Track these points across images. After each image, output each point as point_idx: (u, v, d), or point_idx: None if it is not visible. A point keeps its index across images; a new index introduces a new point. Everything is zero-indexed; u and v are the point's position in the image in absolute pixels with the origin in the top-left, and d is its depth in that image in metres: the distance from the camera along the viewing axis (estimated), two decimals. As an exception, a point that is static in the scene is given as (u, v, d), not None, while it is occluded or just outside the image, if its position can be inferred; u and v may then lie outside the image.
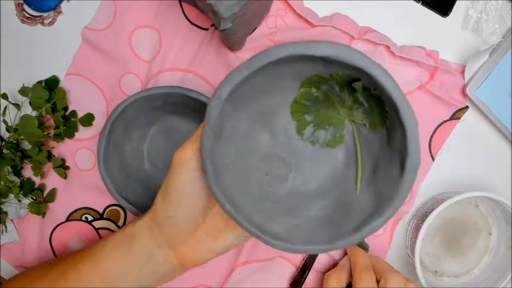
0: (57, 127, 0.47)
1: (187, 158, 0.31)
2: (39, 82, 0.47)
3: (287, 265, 0.48)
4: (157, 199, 0.34)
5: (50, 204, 0.49)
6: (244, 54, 0.45)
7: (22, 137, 0.45)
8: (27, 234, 0.49)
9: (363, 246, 0.45)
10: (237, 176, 0.31)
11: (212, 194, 0.30)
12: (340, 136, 0.34)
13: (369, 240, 0.47)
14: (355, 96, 0.31)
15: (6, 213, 0.49)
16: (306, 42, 0.27)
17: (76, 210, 0.49)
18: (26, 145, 0.48)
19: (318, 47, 0.27)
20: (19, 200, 0.48)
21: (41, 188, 0.49)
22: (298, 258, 0.48)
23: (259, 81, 0.29)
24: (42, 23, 0.47)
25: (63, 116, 0.47)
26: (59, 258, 0.41)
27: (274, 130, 0.34)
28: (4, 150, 0.46)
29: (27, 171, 0.49)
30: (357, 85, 0.29)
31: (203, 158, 0.29)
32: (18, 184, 0.48)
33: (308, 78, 0.31)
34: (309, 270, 0.47)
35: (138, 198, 0.45)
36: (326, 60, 0.27)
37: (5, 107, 0.47)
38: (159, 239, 0.34)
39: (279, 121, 0.34)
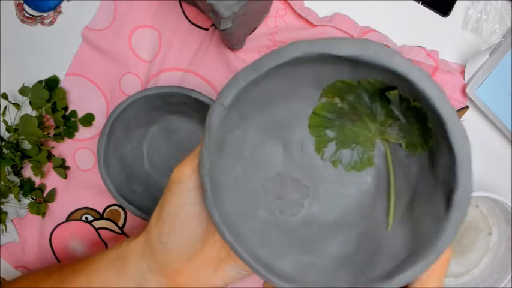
0: (57, 127, 0.47)
1: (185, 175, 0.27)
2: (39, 82, 0.47)
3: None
4: (152, 219, 0.30)
5: (50, 204, 0.49)
6: (244, 54, 0.45)
7: (22, 137, 0.45)
8: (27, 234, 0.49)
9: None
10: (241, 198, 0.27)
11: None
12: (369, 158, 0.28)
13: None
14: (389, 109, 0.25)
15: (6, 213, 0.49)
16: (326, 39, 0.21)
17: (76, 210, 0.49)
18: (26, 145, 0.48)
19: (342, 44, 0.21)
20: (19, 200, 0.48)
21: (41, 188, 0.49)
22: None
23: (271, 87, 0.24)
24: (42, 23, 0.47)
25: (63, 116, 0.47)
26: (62, 265, 0.39)
27: (289, 146, 0.28)
28: (4, 150, 0.46)
29: (27, 171, 0.49)
30: (392, 95, 0.24)
31: (201, 174, 0.24)
32: (18, 184, 0.48)
33: (331, 85, 0.25)
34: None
35: (138, 198, 0.45)
36: (353, 62, 0.22)
37: (5, 107, 0.47)
38: (152, 264, 0.31)
39: (294, 136, 0.28)
